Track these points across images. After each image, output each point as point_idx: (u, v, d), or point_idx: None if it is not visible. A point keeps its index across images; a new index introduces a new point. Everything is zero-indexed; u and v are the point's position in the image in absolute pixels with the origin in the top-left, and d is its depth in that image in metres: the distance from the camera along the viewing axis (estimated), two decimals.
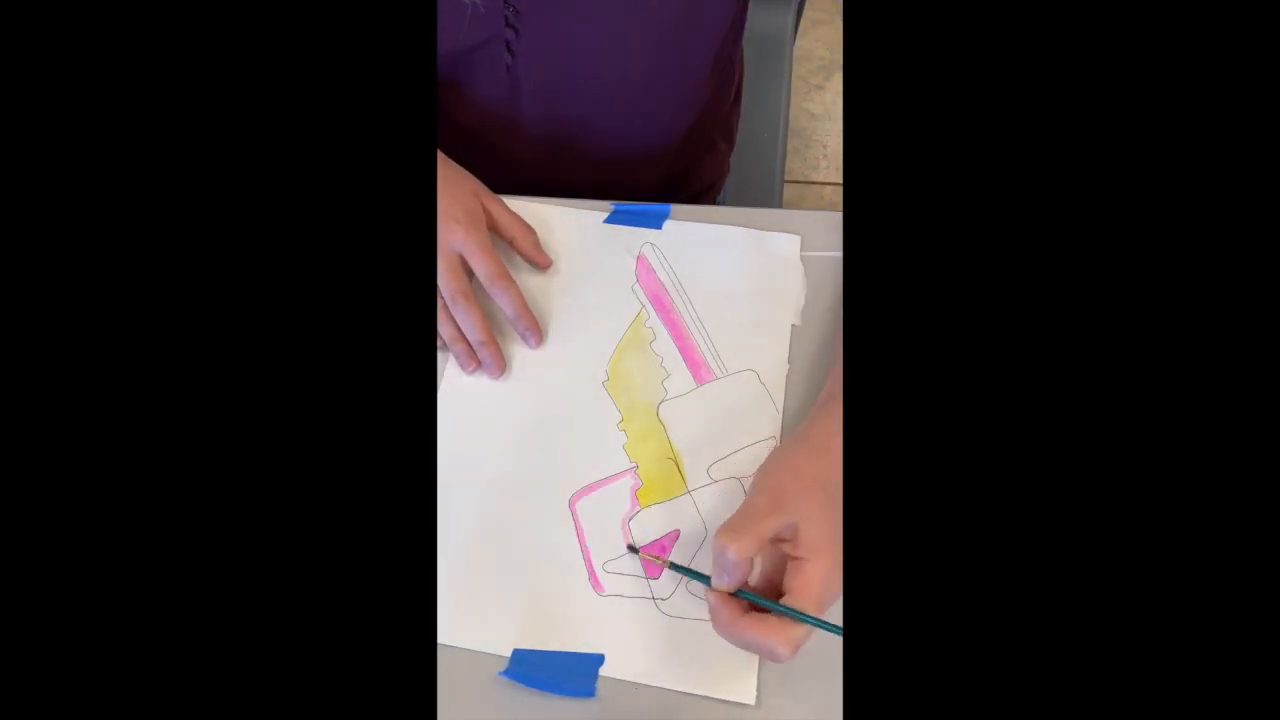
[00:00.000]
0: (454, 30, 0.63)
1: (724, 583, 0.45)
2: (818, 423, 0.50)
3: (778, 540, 0.46)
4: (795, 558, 0.44)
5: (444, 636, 0.50)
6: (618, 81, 0.67)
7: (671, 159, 0.77)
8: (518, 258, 0.63)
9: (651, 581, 0.52)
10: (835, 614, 0.50)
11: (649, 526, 0.53)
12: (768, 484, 0.47)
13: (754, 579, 0.47)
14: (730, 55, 0.74)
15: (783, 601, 0.44)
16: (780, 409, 0.57)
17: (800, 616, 0.43)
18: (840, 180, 1.56)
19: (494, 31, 0.64)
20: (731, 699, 0.48)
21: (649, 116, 0.71)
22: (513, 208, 0.63)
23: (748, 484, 0.54)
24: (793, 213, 0.65)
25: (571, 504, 0.54)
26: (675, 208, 0.65)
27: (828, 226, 0.64)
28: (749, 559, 0.44)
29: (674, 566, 0.51)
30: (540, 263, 0.63)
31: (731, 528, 0.45)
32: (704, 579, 0.47)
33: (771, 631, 0.43)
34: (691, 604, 0.51)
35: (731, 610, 0.44)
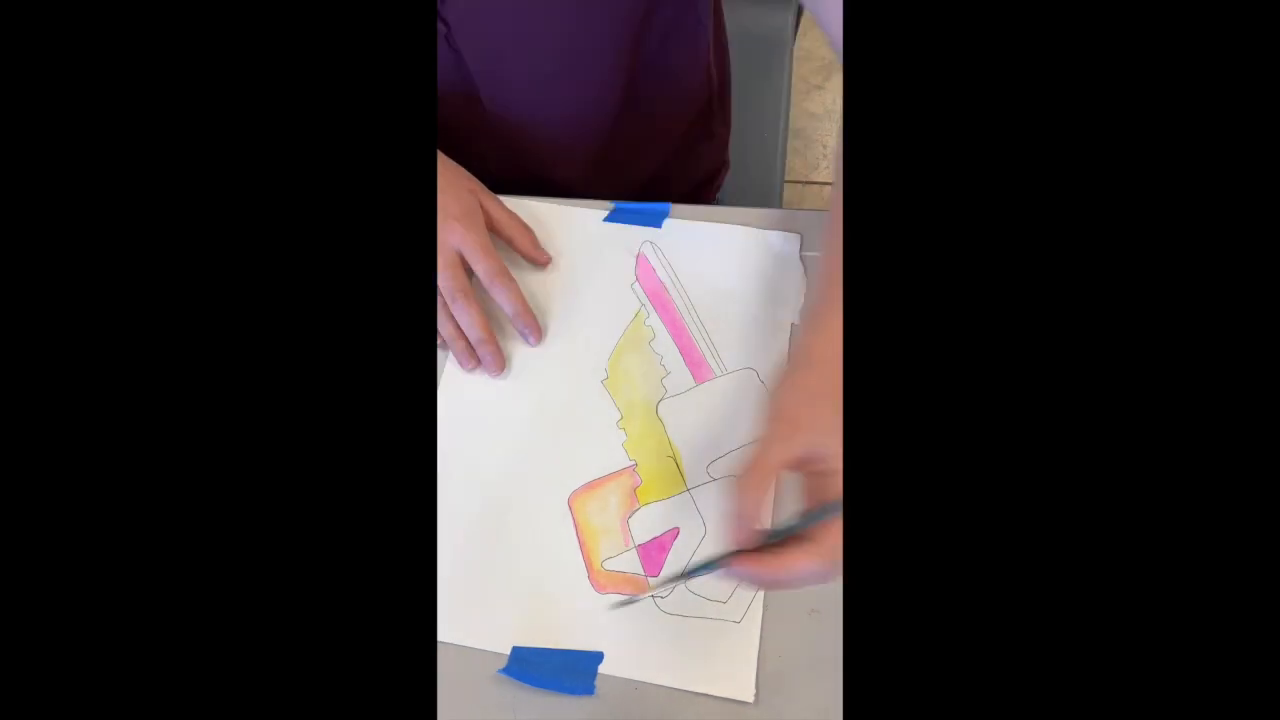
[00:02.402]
0: None
1: (745, 538, 0.43)
2: (812, 337, 0.48)
3: (801, 465, 0.44)
4: (823, 473, 0.43)
5: (443, 634, 0.50)
6: (543, 38, 0.65)
7: (664, 146, 0.76)
8: (517, 256, 0.63)
9: (651, 579, 0.52)
10: (835, 621, 0.50)
11: (648, 525, 0.53)
12: (778, 412, 0.46)
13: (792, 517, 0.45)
14: (688, 19, 0.70)
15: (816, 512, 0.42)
16: None
17: (821, 514, 0.42)
18: None
19: None
20: (730, 697, 0.48)
21: (583, 82, 0.69)
22: (511, 207, 0.63)
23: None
24: (793, 213, 0.65)
25: (570, 502, 0.54)
26: (675, 206, 0.65)
27: None
28: (759, 501, 0.43)
29: (686, 576, 0.47)
30: (539, 260, 0.63)
31: (742, 478, 0.43)
32: (711, 565, 0.45)
33: (805, 555, 0.41)
34: (690, 602, 0.51)
35: (762, 563, 0.42)
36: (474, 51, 0.66)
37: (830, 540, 0.41)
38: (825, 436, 0.43)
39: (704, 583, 0.51)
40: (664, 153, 0.78)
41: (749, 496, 0.43)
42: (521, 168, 0.69)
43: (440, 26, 0.65)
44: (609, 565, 0.52)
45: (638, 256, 0.64)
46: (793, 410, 0.45)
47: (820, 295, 0.51)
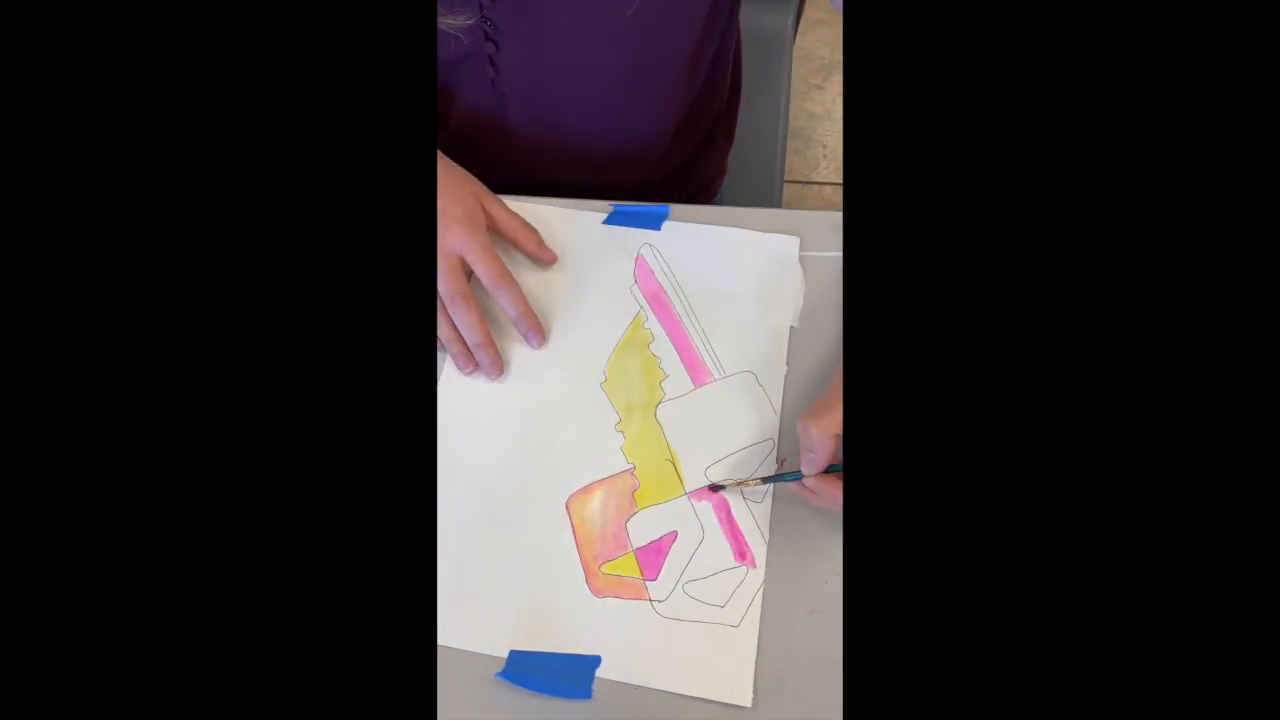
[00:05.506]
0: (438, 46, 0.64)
1: (813, 462, 0.49)
2: None
3: None
4: None
5: (442, 637, 0.50)
6: (597, 88, 0.68)
7: (667, 154, 0.76)
8: (518, 257, 0.63)
9: (649, 583, 0.51)
10: (835, 621, 0.50)
11: (646, 528, 0.53)
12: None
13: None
14: (714, 49, 0.72)
15: None
16: (778, 411, 0.57)
17: None
18: (840, 180, 1.56)
19: (475, 47, 0.64)
20: (728, 701, 0.48)
21: (632, 118, 0.71)
22: (512, 208, 0.63)
23: (747, 486, 0.54)
24: (793, 213, 0.65)
25: (568, 505, 0.54)
26: (674, 208, 0.65)
27: (828, 226, 0.63)
28: (834, 435, 0.48)
29: (766, 480, 0.54)
30: (544, 258, 0.63)
31: (813, 412, 0.49)
32: (795, 475, 0.51)
33: None
34: (688, 606, 0.51)
35: (829, 483, 0.49)
36: (521, 101, 0.68)
37: None
38: None
39: (703, 587, 0.51)
40: (664, 161, 0.78)
41: (815, 433, 0.48)
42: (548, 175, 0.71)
43: (489, 70, 0.65)
44: (607, 569, 0.52)
45: (637, 259, 0.63)
46: None
47: None
